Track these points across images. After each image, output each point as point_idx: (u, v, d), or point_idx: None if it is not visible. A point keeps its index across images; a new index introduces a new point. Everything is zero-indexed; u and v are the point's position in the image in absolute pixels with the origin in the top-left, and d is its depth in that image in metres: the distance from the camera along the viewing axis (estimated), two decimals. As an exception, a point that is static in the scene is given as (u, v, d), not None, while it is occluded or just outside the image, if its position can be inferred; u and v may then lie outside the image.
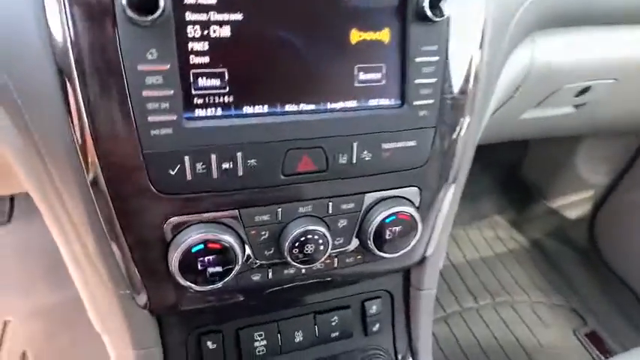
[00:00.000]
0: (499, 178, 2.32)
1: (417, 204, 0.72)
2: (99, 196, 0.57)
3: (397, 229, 0.70)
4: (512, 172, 2.32)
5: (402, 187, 0.70)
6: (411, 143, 0.67)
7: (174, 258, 0.59)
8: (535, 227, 2.28)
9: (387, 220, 0.69)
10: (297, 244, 0.65)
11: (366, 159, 0.65)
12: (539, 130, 1.31)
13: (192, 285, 0.62)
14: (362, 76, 0.62)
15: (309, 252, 0.66)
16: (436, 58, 0.64)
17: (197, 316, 0.76)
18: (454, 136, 0.70)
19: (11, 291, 1.52)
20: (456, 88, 0.67)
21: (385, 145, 0.65)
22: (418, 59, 0.63)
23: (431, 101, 0.65)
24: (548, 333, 1.79)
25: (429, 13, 0.59)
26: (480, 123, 0.77)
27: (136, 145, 0.54)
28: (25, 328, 1.51)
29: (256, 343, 0.78)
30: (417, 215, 0.70)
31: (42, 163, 0.56)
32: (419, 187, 0.71)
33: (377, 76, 0.63)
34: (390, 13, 0.61)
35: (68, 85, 0.52)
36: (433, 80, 0.64)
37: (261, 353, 0.78)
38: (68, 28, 0.50)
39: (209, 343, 0.76)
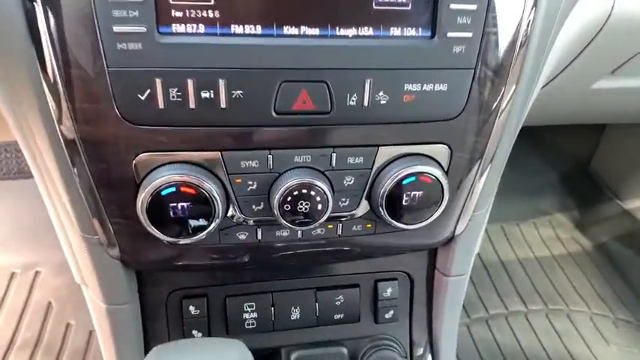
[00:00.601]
0: (565, 170, 2.09)
1: (444, 166, 0.58)
2: (61, 115, 0.49)
3: (417, 194, 0.57)
4: (580, 165, 2.07)
5: (427, 143, 0.57)
6: (442, 87, 0.53)
7: (142, 200, 0.51)
8: (603, 229, 2.04)
9: (405, 182, 0.56)
10: (289, 199, 0.54)
11: (382, 102, 0.52)
12: (615, 109, 1.09)
13: (163, 236, 0.53)
14: (382, -4, 0.50)
15: (303, 210, 0.54)
16: None
17: (179, 275, 0.67)
18: (498, 85, 0.55)
19: (45, 242, 1.54)
20: (503, 20, 0.52)
21: (408, 86, 0.52)
22: None
23: (469, 34, 0.51)
24: (609, 352, 1.56)
25: None
26: (531, 83, 0.61)
27: (100, 59, 0.46)
28: (53, 280, 1.53)
29: (246, 315, 0.68)
30: (443, 180, 0.57)
31: (6, 83, 0.49)
32: (449, 146, 0.57)
33: (402, -3, 0.50)
34: None
35: None
36: (474, 6, 0.50)
37: (250, 327, 0.68)
38: None
39: (191, 308, 0.67)
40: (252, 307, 0.69)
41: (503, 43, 0.53)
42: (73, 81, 0.47)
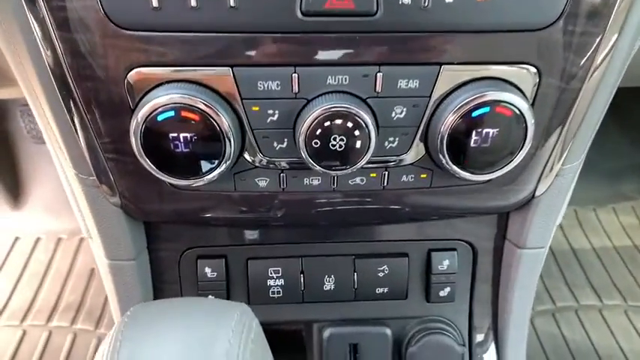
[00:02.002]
0: (653, 152, 1.84)
1: (529, 96, 0.44)
2: (40, 20, 0.40)
3: (491, 132, 0.43)
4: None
5: (507, 64, 0.42)
6: None
7: (135, 127, 0.41)
8: (694, 218, 1.79)
9: (476, 114, 0.42)
10: (319, 133, 0.41)
11: (448, 0, 0.38)
12: None
13: (162, 174, 0.43)
14: None
15: (337, 148, 0.42)
16: None
17: (194, 231, 0.57)
18: None
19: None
20: None
21: None
22: None
23: None
24: (702, 358, 1.35)
25: None
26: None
27: None
28: (96, 246, 1.54)
29: (270, 282, 0.57)
30: (528, 113, 0.42)
31: None
32: (537, 68, 0.42)
33: None
34: None
35: None
36: None
37: (275, 295, 0.57)
38: None
39: (207, 270, 0.57)
40: (279, 272, 0.57)
41: None
42: None
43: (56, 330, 1.30)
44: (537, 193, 0.53)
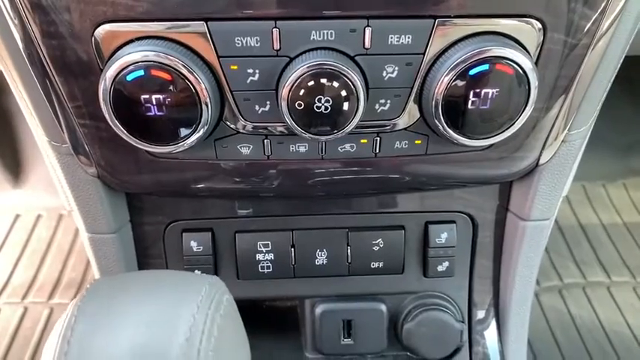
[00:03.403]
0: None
1: (533, 53, 0.40)
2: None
3: (491, 92, 0.39)
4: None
5: (508, 17, 0.38)
6: None
7: (103, 88, 0.38)
8: None
9: (473, 72, 0.38)
10: (302, 93, 0.38)
11: None
12: None
13: (135, 140, 0.40)
14: None
15: (322, 110, 0.39)
16: None
17: (179, 203, 0.54)
18: None
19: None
20: None
21: None
22: None
23: None
24: None
25: None
26: None
27: None
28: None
29: (259, 256, 0.55)
30: (531, 72, 0.39)
31: None
32: (540, 21, 0.38)
33: None
34: None
35: None
36: None
37: (265, 271, 0.55)
38: None
39: (193, 244, 0.54)
40: (268, 246, 0.55)
41: None
42: None
43: (58, 307, 1.30)
44: (542, 161, 0.50)
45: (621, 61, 0.46)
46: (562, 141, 0.48)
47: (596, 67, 0.43)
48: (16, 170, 1.57)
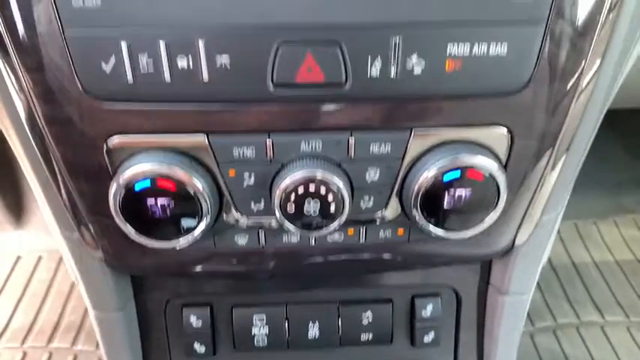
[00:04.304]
0: (653, 162, 1.82)
1: (502, 157, 0.44)
2: (20, 89, 0.41)
3: (463, 194, 0.43)
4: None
5: (478, 126, 0.43)
6: (499, 48, 0.39)
7: (113, 196, 0.41)
8: (699, 232, 1.76)
9: (447, 179, 0.42)
10: (293, 198, 0.42)
11: (416, 72, 0.39)
12: None
13: (142, 238, 0.43)
14: None
15: (311, 213, 0.43)
16: None
17: (179, 280, 0.58)
18: (580, 50, 0.40)
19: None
20: None
21: (452, 48, 0.39)
22: None
23: None
24: None
25: None
26: (624, 54, 0.44)
27: (54, 20, 0.37)
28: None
29: (255, 330, 0.58)
30: (500, 177, 0.43)
31: None
32: (509, 129, 0.43)
33: None
34: None
35: None
36: None
37: (260, 345, 0.58)
38: None
39: (193, 319, 0.58)
40: (263, 320, 0.58)
41: None
42: (28, 48, 0.39)
43: (57, 351, 1.30)
44: (517, 243, 0.53)
45: (588, 149, 0.50)
46: (535, 226, 0.52)
47: (563, 164, 0.47)
48: (18, 211, 1.59)
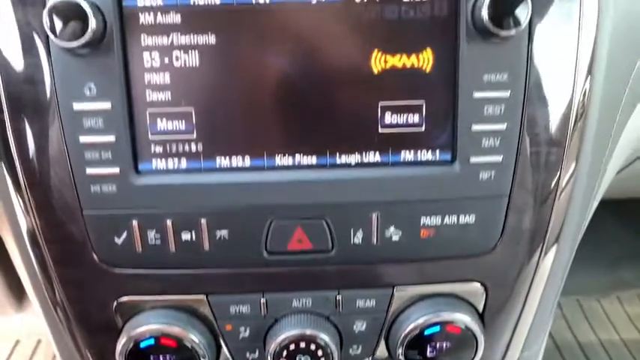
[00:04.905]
0: (653, 238, 1.83)
1: (479, 307, 0.48)
2: (39, 257, 0.46)
3: (444, 345, 0.47)
4: (672, 233, 1.80)
5: (454, 282, 0.47)
6: (468, 218, 0.44)
7: (120, 351, 0.45)
8: None
9: (428, 332, 0.46)
10: (285, 354, 0.46)
11: (394, 239, 0.44)
12: None
13: None
14: (389, 117, 0.42)
15: (303, 363, 0.46)
16: (506, 93, 0.41)
17: None
18: (543, 213, 0.45)
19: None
20: (544, 138, 0.43)
21: (425, 220, 0.44)
22: (478, 94, 0.41)
23: (498, 158, 0.42)
24: None
25: (490, 26, 0.37)
26: (595, 180, 0.50)
27: (75, 202, 0.43)
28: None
29: None
30: (477, 328, 0.46)
31: None
32: (483, 284, 0.47)
33: (413, 118, 0.43)
34: (431, 27, 0.40)
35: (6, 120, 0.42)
36: (502, 126, 0.42)
37: None
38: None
39: None
40: None
41: (546, 162, 0.44)
42: (49, 223, 0.44)
43: None
44: None
45: (563, 281, 0.54)
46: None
47: (537, 307, 0.51)
48: (19, 295, 1.60)
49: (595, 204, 0.54)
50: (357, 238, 0.44)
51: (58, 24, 0.37)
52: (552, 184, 0.45)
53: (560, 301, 1.81)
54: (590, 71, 0.42)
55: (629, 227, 1.94)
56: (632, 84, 0.48)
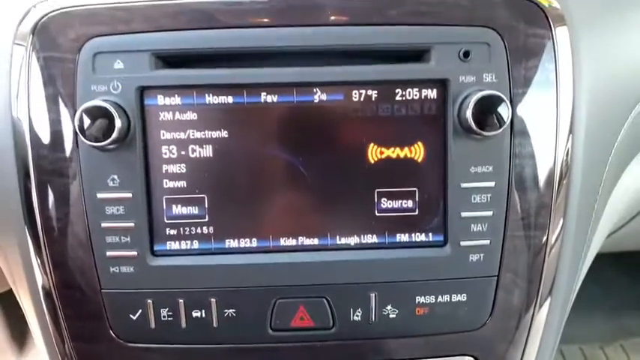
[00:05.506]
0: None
1: None
2: (57, 332, 0.49)
3: None
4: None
5: (448, 356, 0.49)
6: (460, 297, 0.47)
7: None
8: None
9: None
10: None
11: (392, 316, 0.47)
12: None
13: None
14: (385, 203, 0.46)
15: None
16: (492, 184, 0.45)
17: None
18: (531, 289, 0.48)
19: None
20: (530, 222, 0.46)
21: (420, 299, 0.47)
22: (465, 185, 0.45)
23: (486, 241, 0.46)
24: None
25: (474, 127, 0.42)
26: (585, 234, 0.53)
27: (94, 281, 0.46)
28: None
29: None
30: None
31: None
32: (475, 358, 0.50)
33: (407, 203, 0.46)
34: (421, 124, 0.45)
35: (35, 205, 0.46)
36: (489, 213, 0.45)
37: None
38: (31, 145, 0.45)
39: None
40: None
41: (533, 244, 0.47)
42: (68, 300, 0.47)
43: None
44: None
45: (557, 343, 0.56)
46: None
47: None
48: (21, 340, 1.60)
49: (589, 259, 0.56)
50: (357, 315, 0.47)
51: (87, 123, 0.42)
52: (539, 263, 0.48)
53: (562, 350, 1.78)
54: (569, 151, 0.46)
55: (630, 274, 1.94)
56: (618, 147, 0.51)
